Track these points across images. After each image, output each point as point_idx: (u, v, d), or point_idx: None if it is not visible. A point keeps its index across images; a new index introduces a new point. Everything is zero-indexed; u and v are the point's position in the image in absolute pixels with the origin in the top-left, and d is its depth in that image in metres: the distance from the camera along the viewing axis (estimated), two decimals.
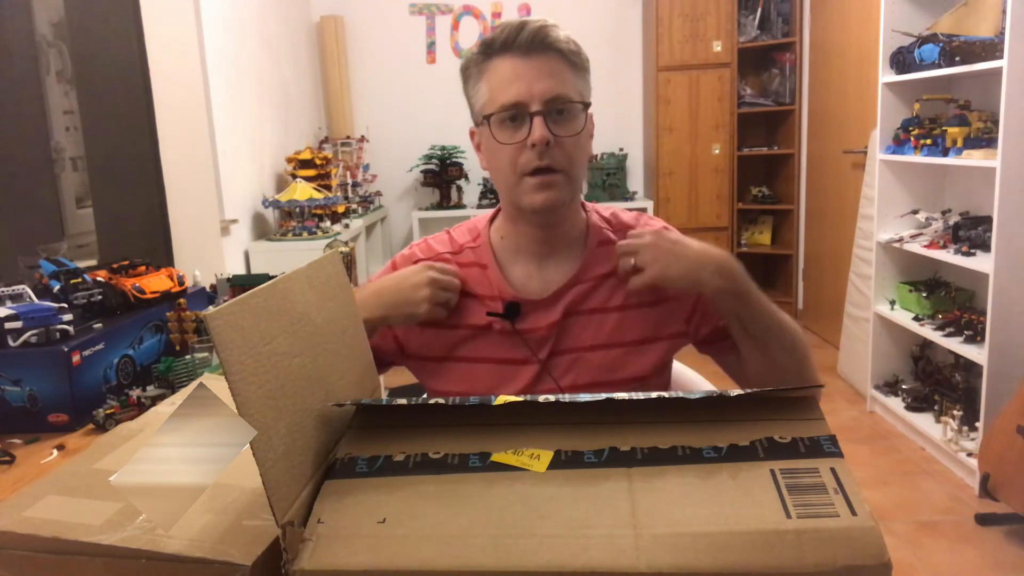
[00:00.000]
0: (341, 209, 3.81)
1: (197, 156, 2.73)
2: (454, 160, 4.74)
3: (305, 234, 3.40)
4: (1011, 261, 2.46)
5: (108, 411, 1.47)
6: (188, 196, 2.69)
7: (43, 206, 2.29)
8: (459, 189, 4.87)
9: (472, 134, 1.18)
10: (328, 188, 3.73)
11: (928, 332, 2.88)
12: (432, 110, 4.96)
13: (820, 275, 4.44)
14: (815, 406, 0.72)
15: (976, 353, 2.58)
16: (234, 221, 3.23)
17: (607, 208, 1.26)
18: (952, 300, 2.95)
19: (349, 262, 3.11)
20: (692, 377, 1.46)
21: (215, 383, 0.66)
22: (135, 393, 1.55)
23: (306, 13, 4.69)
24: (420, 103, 4.98)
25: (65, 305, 1.58)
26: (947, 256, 2.78)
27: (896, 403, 3.14)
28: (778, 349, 1.13)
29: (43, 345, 1.47)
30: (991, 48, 2.58)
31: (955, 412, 2.77)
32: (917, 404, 3.06)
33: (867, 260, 3.38)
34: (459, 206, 4.82)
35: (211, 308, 0.61)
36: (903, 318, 3.07)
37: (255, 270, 3.32)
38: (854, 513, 0.60)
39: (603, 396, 0.72)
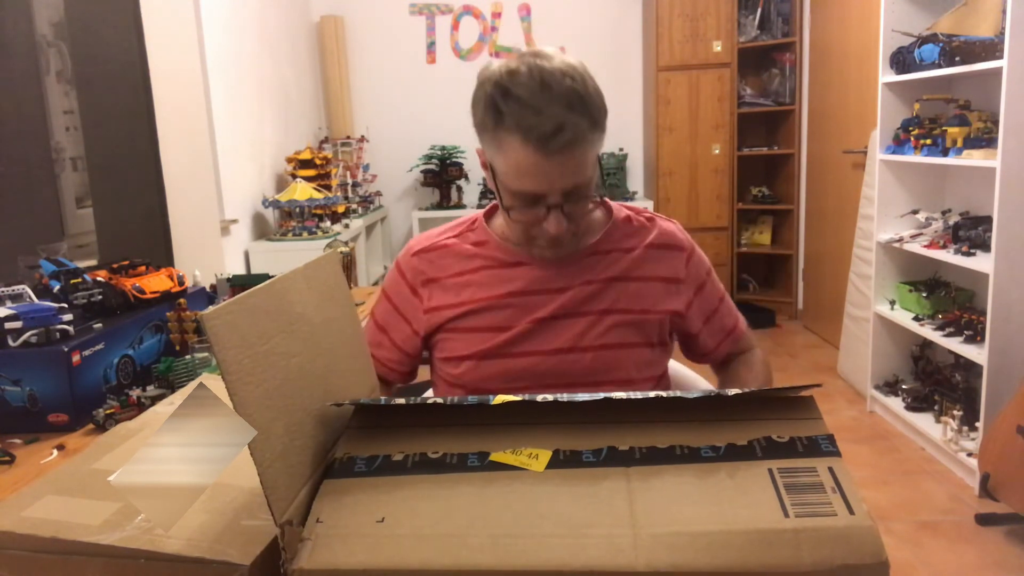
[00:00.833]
0: (341, 209, 3.81)
1: (197, 156, 2.73)
2: (454, 160, 4.74)
3: (305, 234, 3.40)
4: (1011, 261, 2.46)
5: (108, 411, 1.47)
6: (188, 196, 2.69)
7: (43, 206, 2.29)
8: (459, 189, 4.87)
9: (480, 153, 1.14)
10: (328, 188, 3.73)
11: (928, 332, 2.88)
12: (432, 110, 4.96)
13: (820, 275, 4.44)
14: (813, 406, 0.72)
15: (976, 353, 2.58)
16: (234, 221, 3.23)
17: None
18: (952, 300, 2.95)
19: (349, 262, 3.11)
20: (691, 377, 1.47)
21: (215, 383, 0.66)
22: (135, 393, 1.55)
23: (306, 13, 4.69)
24: (420, 103, 4.98)
25: (65, 305, 1.58)
26: (947, 256, 2.78)
27: (896, 403, 3.14)
28: None
29: (43, 345, 1.47)
30: (991, 48, 2.58)
31: (955, 412, 2.77)
32: (917, 404, 3.06)
33: (867, 260, 3.38)
34: (459, 206, 4.82)
35: (209, 308, 0.61)
36: (903, 318, 3.07)
37: (255, 270, 3.32)
38: (852, 512, 0.60)
39: (601, 396, 0.72)
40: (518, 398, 0.74)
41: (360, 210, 4.32)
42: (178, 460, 0.62)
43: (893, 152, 3.10)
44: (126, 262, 1.84)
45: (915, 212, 3.12)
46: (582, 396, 0.74)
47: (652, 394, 0.71)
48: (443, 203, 4.82)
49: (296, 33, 4.42)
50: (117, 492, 0.64)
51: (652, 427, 0.71)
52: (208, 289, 2.09)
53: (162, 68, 2.56)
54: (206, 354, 1.68)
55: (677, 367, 1.43)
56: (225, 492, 0.72)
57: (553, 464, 0.67)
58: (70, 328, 1.51)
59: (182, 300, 1.80)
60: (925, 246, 2.93)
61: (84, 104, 2.43)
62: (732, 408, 0.72)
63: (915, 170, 3.10)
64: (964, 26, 2.77)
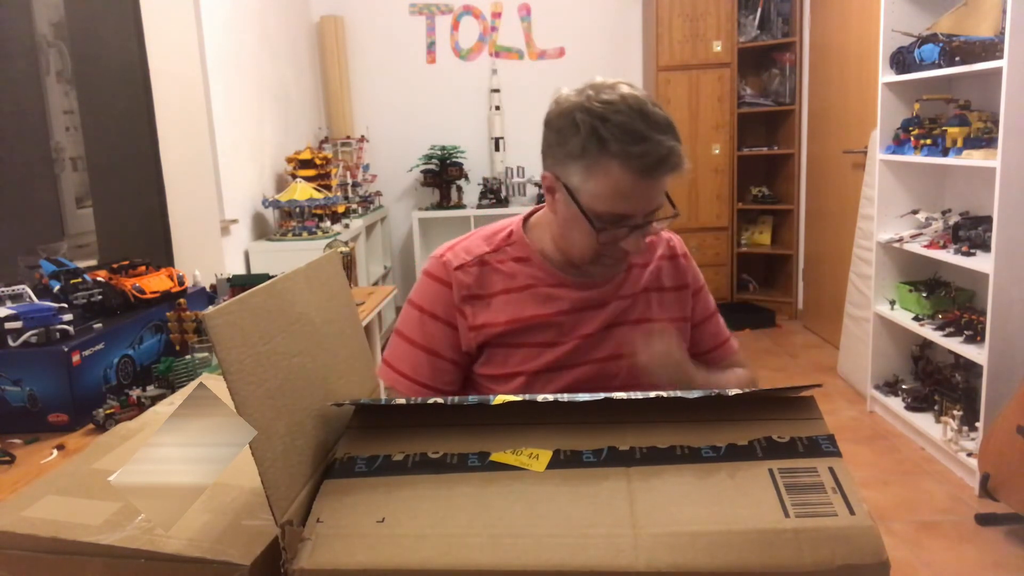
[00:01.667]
0: (341, 209, 3.81)
1: (197, 156, 2.73)
2: (454, 160, 4.74)
3: (305, 234, 3.40)
4: (1011, 261, 2.46)
5: (108, 411, 1.47)
6: (188, 196, 2.69)
7: (43, 206, 2.29)
8: (459, 189, 4.87)
9: (548, 178, 1.14)
10: (328, 188, 3.73)
11: (928, 332, 2.88)
12: (432, 110, 4.96)
13: (820, 275, 4.43)
14: (813, 406, 0.72)
15: (976, 353, 2.58)
16: (234, 221, 3.23)
17: None
18: (952, 300, 2.95)
19: (349, 262, 3.11)
20: None
21: (215, 383, 0.66)
22: (135, 393, 1.55)
23: (306, 13, 4.69)
24: (420, 103, 4.98)
25: (65, 305, 1.58)
26: (947, 256, 2.78)
27: (896, 403, 3.14)
28: None
29: (43, 345, 1.47)
30: (991, 48, 2.58)
31: (955, 412, 2.77)
32: (917, 404, 3.06)
33: (867, 260, 3.38)
34: (459, 206, 4.82)
35: (211, 308, 0.61)
36: (903, 318, 3.07)
37: (255, 270, 3.32)
38: (852, 512, 0.60)
39: (602, 396, 0.72)
40: (518, 398, 0.74)
41: (360, 210, 4.32)
42: (178, 460, 0.62)
43: (893, 152, 3.10)
44: (126, 262, 1.84)
45: (915, 212, 3.12)
46: (582, 396, 0.74)
47: (652, 394, 0.71)
48: (443, 203, 4.82)
49: (296, 33, 4.42)
50: (117, 492, 0.64)
51: (653, 427, 0.71)
52: (208, 289, 2.09)
53: (162, 68, 2.56)
54: (206, 354, 1.68)
55: None
56: (226, 492, 0.72)
57: (553, 464, 0.67)
58: (70, 328, 1.51)
59: (182, 300, 1.80)
60: (925, 246, 2.93)
61: (84, 104, 2.43)
62: (732, 408, 0.72)
63: (915, 170, 3.10)
64: (964, 26, 2.77)
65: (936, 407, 2.97)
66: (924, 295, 2.99)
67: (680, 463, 0.67)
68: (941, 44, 2.73)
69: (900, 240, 3.06)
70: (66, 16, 2.39)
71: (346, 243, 3.24)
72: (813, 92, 4.47)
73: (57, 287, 1.71)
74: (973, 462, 2.56)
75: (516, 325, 1.18)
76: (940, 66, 2.74)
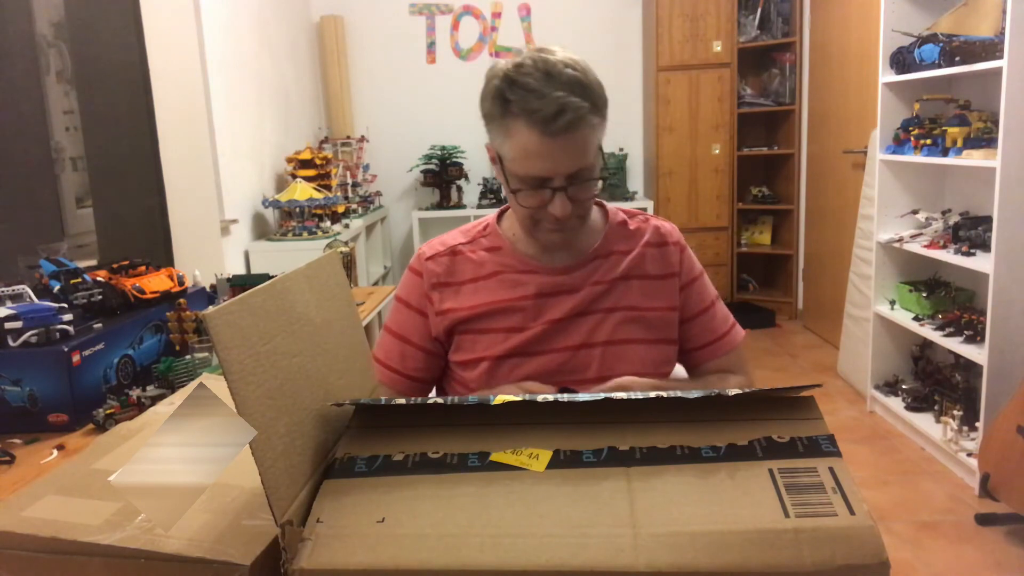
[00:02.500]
0: (341, 209, 3.81)
1: (197, 156, 2.73)
2: (454, 160, 4.74)
3: (305, 234, 3.40)
4: (1011, 261, 2.46)
5: (108, 411, 1.47)
6: (188, 196, 2.69)
7: (43, 206, 2.29)
8: (459, 189, 4.87)
9: (488, 149, 1.18)
10: (328, 188, 3.73)
11: (928, 332, 2.88)
12: (432, 110, 4.96)
13: (820, 275, 4.43)
14: (813, 406, 0.72)
15: (976, 353, 2.58)
16: (234, 221, 3.23)
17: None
18: (952, 300, 2.95)
19: (349, 262, 3.11)
20: None
21: (215, 383, 0.66)
22: (135, 393, 1.55)
23: (306, 13, 4.69)
24: (420, 103, 4.98)
25: (65, 305, 1.58)
26: (947, 256, 2.78)
27: (896, 403, 3.14)
28: None
29: (43, 345, 1.47)
30: (991, 48, 2.58)
31: (955, 412, 2.77)
32: (917, 404, 3.06)
33: (867, 260, 3.38)
34: (459, 206, 4.82)
35: (211, 308, 0.61)
36: (903, 318, 3.07)
37: (255, 270, 3.32)
38: (852, 512, 0.60)
39: (602, 396, 0.72)
40: (518, 398, 0.74)
41: (360, 210, 4.32)
42: (178, 460, 0.62)
43: (893, 152, 3.10)
44: (126, 262, 1.84)
45: (915, 212, 3.12)
46: (583, 396, 0.74)
47: (652, 394, 0.71)
48: (443, 203, 4.82)
49: (296, 33, 4.42)
50: (117, 492, 0.64)
51: (652, 427, 0.71)
52: (208, 289, 2.09)
53: (162, 68, 2.57)
54: (206, 354, 1.68)
55: (679, 370, 1.42)
56: (226, 492, 0.72)
57: (553, 464, 0.67)
58: (70, 328, 1.51)
59: (182, 300, 1.80)
60: (925, 246, 2.93)
61: (84, 104, 2.43)
62: (732, 408, 0.72)
63: (915, 170, 3.10)
64: (964, 26, 2.77)
65: (936, 407, 2.97)
66: (924, 295, 2.99)
67: (680, 463, 0.67)
68: (941, 44, 2.73)
69: (900, 240, 3.06)
70: (66, 16, 2.40)
71: (346, 243, 3.24)
72: (813, 92, 4.47)
73: (57, 287, 1.71)
74: (973, 462, 2.56)
75: (480, 310, 1.19)
76: (940, 66, 2.74)
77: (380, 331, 1.31)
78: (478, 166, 4.87)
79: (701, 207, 4.76)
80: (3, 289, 1.59)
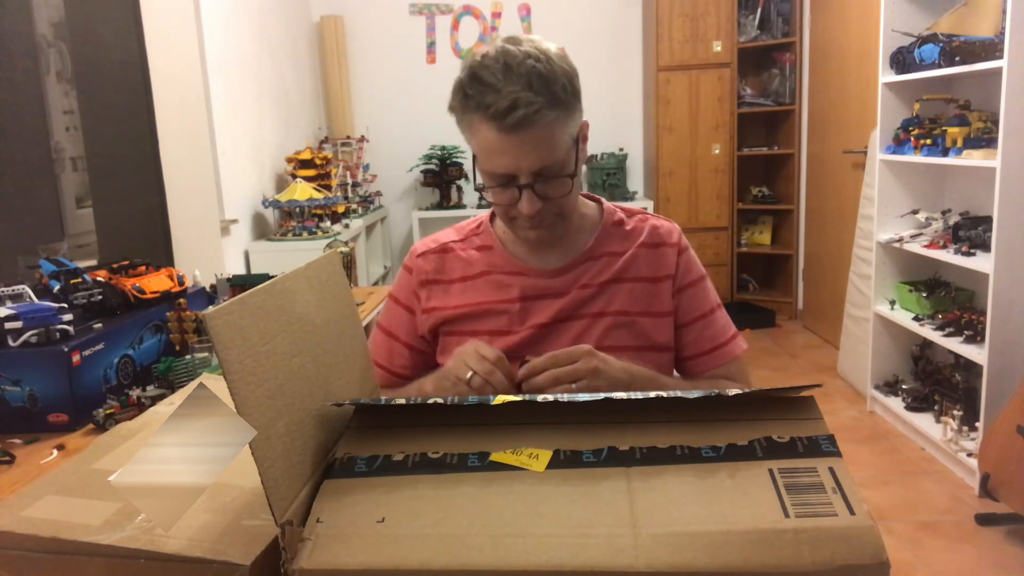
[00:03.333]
0: (341, 209, 3.81)
1: (197, 156, 2.73)
2: (454, 160, 4.74)
3: (305, 234, 3.40)
4: (1011, 261, 2.46)
5: (108, 411, 1.47)
6: (188, 196, 2.69)
7: (43, 206, 2.29)
8: (459, 189, 4.87)
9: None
10: (328, 188, 3.73)
11: (928, 332, 2.88)
12: (432, 110, 4.92)
13: (820, 275, 4.43)
14: (813, 406, 0.72)
15: (976, 353, 2.58)
16: (234, 221, 3.23)
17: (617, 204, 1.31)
18: (952, 300, 2.95)
19: (349, 262, 3.11)
20: None
21: (215, 383, 0.66)
22: (135, 393, 1.55)
23: (306, 13, 4.69)
24: (420, 103, 4.97)
25: (65, 305, 1.58)
26: (947, 256, 2.78)
27: (896, 403, 3.14)
28: None
29: (43, 345, 1.47)
30: (991, 48, 2.58)
31: (955, 412, 2.77)
32: (917, 404, 3.06)
33: (867, 260, 3.38)
34: (459, 206, 4.82)
35: (211, 308, 0.61)
36: (903, 318, 3.07)
37: (255, 270, 3.32)
38: (852, 512, 0.60)
39: (602, 396, 0.72)
40: (518, 398, 0.74)
41: (360, 210, 4.32)
42: (178, 460, 0.62)
43: (893, 152, 3.10)
44: (126, 262, 1.84)
45: (915, 212, 3.12)
46: (582, 396, 0.74)
47: (652, 394, 0.71)
48: (443, 203, 4.82)
49: (296, 33, 4.42)
50: (117, 492, 0.64)
51: (652, 427, 0.71)
52: (208, 289, 2.09)
53: (162, 68, 2.57)
54: (206, 354, 1.68)
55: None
56: (226, 492, 0.72)
57: (553, 464, 0.67)
58: (70, 328, 1.51)
59: (182, 300, 1.80)
60: (925, 246, 2.93)
61: (84, 104, 2.43)
62: (732, 408, 0.72)
63: (915, 170, 3.10)
64: (964, 26, 2.77)
65: (936, 407, 2.97)
66: (924, 295, 2.99)
67: (680, 463, 0.67)
68: (941, 44, 2.73)
69: (900, 240, 3.06)
70: (66, 16, 2.39)
71: (346, 243, 3.24)
72: (813, 92, 4.47)
73: (57, 287, 1.71)
74: (973, 462, 2.56)
75: (465, 310, 1.18)
76: (940, 66, 2.74)
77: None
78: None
79: (701, 207, 4.76)
80: (3, 289, 1.59)
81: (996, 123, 2.50)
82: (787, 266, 4.85)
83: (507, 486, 0.65)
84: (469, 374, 1.01)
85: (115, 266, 1.82)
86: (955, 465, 2.73)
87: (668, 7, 4.56)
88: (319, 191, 3.49)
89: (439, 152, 4.73)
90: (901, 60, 2.97)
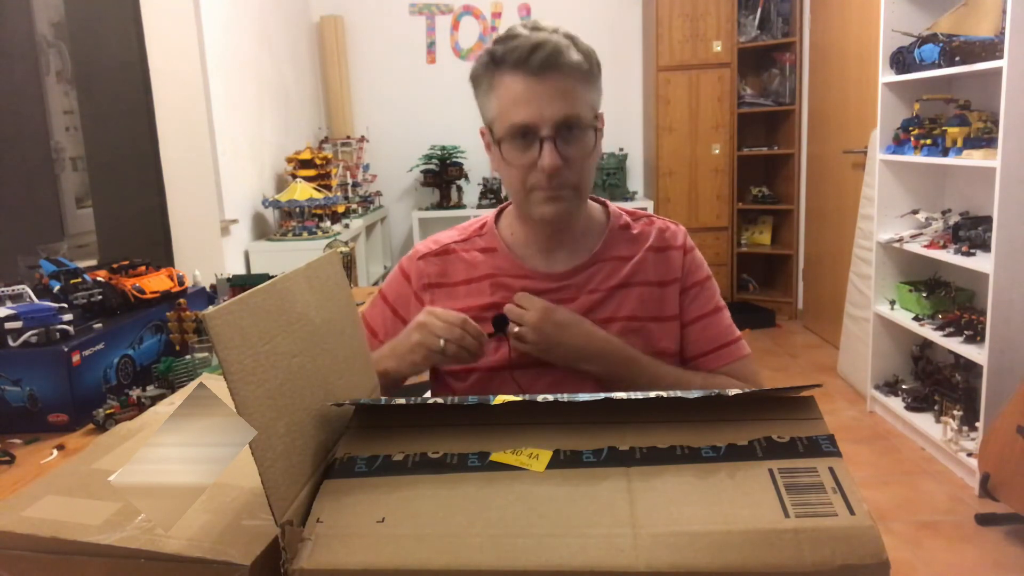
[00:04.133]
0: (341, 209, 3.81)
1: (197, 156, 2.73)
2: (454, 160, 4.74)
3: (305, 234, 3.40)
4: (1011, 261, 2.46)
5: (108, 411, 1.47)
6: (188, 196, 2.69)
7: (43, 206, 2.29)
8: (459, 189, 4.87)
9: (483, 133, 1.17)
10: (328, 188, 3.73)
11: (928, 332, 2.88)
12: (432, 110, 4.96)
13: (820, 275, 4.43)
14: (813, 406, 0.72)
15: (976, 353, 2.58)
16: (234, 221, 3.23)
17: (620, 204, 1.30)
18: (952, 300, 2.95)
19: (349, 262, 3.11)
20: None
21: (215, 383, 0.66)
22: (135, 393, 1.55)
23: (306, 13, 4.69)
24: (420, 103, 4.98)
25: (65, 305, 1.58)
26: (947, 256, 2.78)
27: (896, 403, 3.14)
28: None
29: (43, 345, 1.47)
30: (991, 48, 2.58)
31: (955, 412, 2.77)
32: (917, 404, 3.06)
33: (867, 260, 3.38)
34: (459, 206, 4.82)
35: (211, 308, 0.61)
36: (903, 318, 3.07)
37: (255, 270, 3.32)
38: (852, 512, 0.60)
39: (602, 396, 0.72)
40: (518, 398, 0.74)
41: (360, 210, 4.32)
42: (178, 460, 0.62)
43: (893, 152, 3.10)
44: (126, 262, 1.84)
45: (915, 212, 3.12)
46: (582, 396, 0.74)
47: (652, 394, 0.71)
48: (443, 203, 4.82)
49: (296, 33, 4.42)
50: (117, 492, 0.64)
51: (652, 427, 0.71)
52: (208, 289, 2.09)
53: (162, 68, 2.56)
54: (206, 354, 1.68)
55: None
56: (225, 492, 0.72)
57: (553, 464, 0.67)
58: (70, 328, 1.51)
59: (182, 300, 1.80)
60: (925, 246, 2.93)
61: (84, 104, 2.43)
62: (732, 408, 0.72)
63: (915, 170, 3.10)
64: (964, 26, 2.77)
65: (936, 407, 2.97)
66: (924, 295, 2.99)
67: (680, 463, 0.67)
68: (941, 44, 2.73)
69: (900, 240, 3.06)
70: (66, 16, 2.40)
71: (346, 243, 3.24)
72: (813, 92, 4.47)
73: (57, 287, 1.71)
74: (973, 462, 2.56)
75: (470, 314, 1.14)
76: (940, 66, 2.74)
77: None
78: (478, 166, 4.87)
79: (701, 207, 4.76)
80: (3, 289, 1.59)
81: (996, 123, 2.50)
82: (787, 266, 4.85)
83: (507, 486, 0.65)
84: (441, 343, 1.02)
85: (115, 266, 1.82)
86: (955, 465, 2.73)
87: (668, 7, 4.56)
88: (319, 191, 3.49)
89: (439, 152, 4.73)
90: (901, 60, 2.97)
